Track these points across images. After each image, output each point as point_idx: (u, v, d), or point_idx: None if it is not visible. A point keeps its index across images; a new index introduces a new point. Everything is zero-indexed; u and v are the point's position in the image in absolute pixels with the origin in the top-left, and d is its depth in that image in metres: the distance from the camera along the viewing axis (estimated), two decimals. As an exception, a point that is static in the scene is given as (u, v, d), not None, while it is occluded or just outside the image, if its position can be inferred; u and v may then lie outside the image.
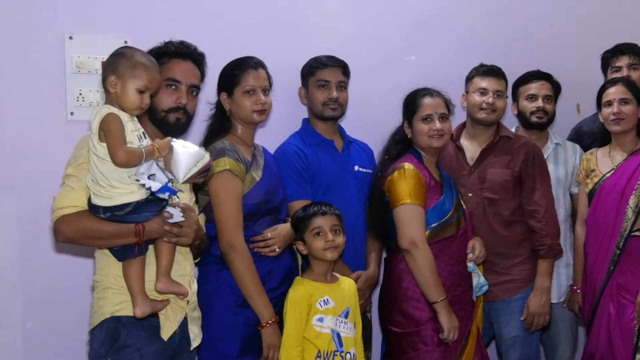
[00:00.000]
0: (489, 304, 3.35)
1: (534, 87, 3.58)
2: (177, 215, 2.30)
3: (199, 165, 2.35)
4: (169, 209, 2.29)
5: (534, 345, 3.43)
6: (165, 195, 2.23)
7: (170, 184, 2.23)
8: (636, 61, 3.75)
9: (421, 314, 3.01)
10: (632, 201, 3.28)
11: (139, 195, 2.22)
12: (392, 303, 3.09)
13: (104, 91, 2.27)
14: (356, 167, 3.28)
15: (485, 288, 3.17)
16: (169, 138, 2.33)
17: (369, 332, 3.27)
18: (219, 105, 2.91)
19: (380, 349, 3.26)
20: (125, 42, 3.07)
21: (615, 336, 3.27)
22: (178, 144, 2.33)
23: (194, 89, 2.53)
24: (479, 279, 3.15)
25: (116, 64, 2.23)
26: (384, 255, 3.28)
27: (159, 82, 2.31)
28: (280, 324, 2.76)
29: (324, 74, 3.19)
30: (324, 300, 2.72)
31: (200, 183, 2.58)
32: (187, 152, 2.32)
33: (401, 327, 3.04)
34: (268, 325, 2.70)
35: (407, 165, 3.05)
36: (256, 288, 2.71)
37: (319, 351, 2.67)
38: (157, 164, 2.23)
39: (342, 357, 2.71)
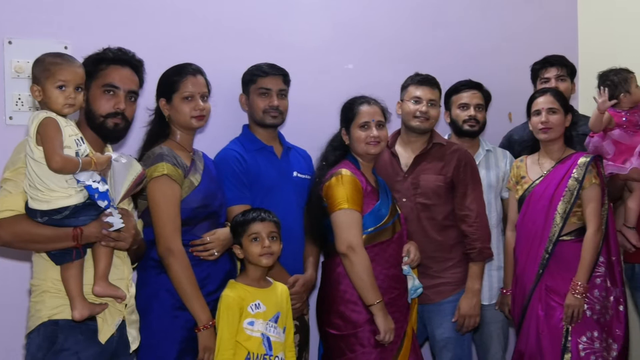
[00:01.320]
0: (423, 306, 3.38)
1: (465, 96, 3.63)
2: (117, 223, 2.31)
3: (131, 176, 2.37)
4: (108, 218, 2.29)
5: (465, 345, 3.47)
6: (104, 204, 2.25)
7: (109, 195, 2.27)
8: (564, 73, 3.82)
9: (358, 316, 3.03)
10: (560, 207, 3.36)
11: (76, 199, 2.23)
12: (329, 306, 3.11)
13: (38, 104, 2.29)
14: (295, 173, 3.29)
15: (420, 291, 3.20)
16: (109, 155, 2.35)
17: (307, 334, 3.30)
18: (158, 111, 2.91)
19: (318, 350, 3.27)
20: (66, 47, 3.06)
21: (544, 337, 3.34)
22: (115, 161, 2.35)
23: (133, 95, 2.54)
24: (413, 282, 3.18)
25: (34, 73, 2.26)
26: (322, 259, 3.29)
27: (77, 75, 2.29)
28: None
29: (265, 82, 3.20)
30: (255, 304, 2.74)
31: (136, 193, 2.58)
32: (123, 168, 2.35)
33: (339, 329, 3.06)
34: (205, 328, 2.71)
35: (345, 171, 3.08)
36: (193, 291, 2.71)
37: (249, 353, 2.68)
38: (98, 175, 2.26)
39: None
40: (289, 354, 2.87)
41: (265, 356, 2.72)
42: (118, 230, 2.32)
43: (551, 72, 3.83)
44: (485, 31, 4.30)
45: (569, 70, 3.85)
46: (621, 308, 3.36)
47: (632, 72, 3.57)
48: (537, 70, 3.89)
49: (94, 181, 2.22)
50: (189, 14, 3.43)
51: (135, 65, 2.59)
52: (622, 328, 3.35)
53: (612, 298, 3.36)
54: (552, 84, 3.78)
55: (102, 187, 2.23)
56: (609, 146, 3.52)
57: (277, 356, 2.75)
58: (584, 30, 4.71)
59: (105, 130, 2.45)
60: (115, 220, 2.30)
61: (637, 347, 3.84)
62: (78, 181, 2.21)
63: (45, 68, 2.23)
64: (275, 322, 2.79)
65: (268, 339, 2.74)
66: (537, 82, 3.88)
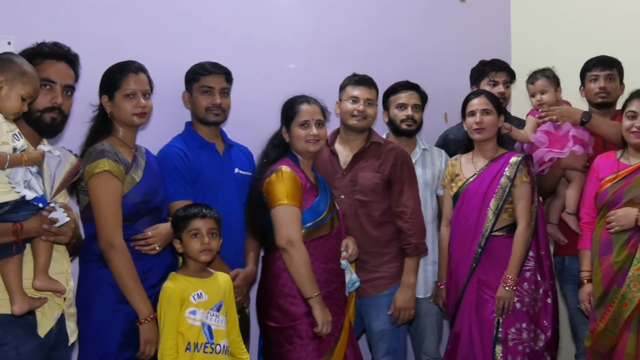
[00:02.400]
0: (360, 299, 3.42)
1: (403, 97, 3.68)
2: (62, 218, 2.33)
3: (65, 169, 2.40)
4: (52, 214, 2.30)
5: (401, 337, 3.54)
6: (39, 205, 2.27)
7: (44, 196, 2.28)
8: (509, 80, 3.94)
9: (297, 309, 3.07)
10: (492, 204, 3.44)
11: (16, 194, 2.22)
12: (269, 299, 3.15)
13: None
14: (236, 170, 3.31)
15: (357, 284, 3.25)
16: (42, 150, 2.35)
17: (247, 327, 3.32)
18: (100, 108, 2.91)
19: (258, 342, 3.31)
20: (9, 43, 3.01)
21: (476, 328, 3.43)
22: (48, 153, 2.37)
23: (69, 89, 2.55)
24: (351, 276, 3.23)
25: (5, 67, 2.26)
26: (262, 253, 3.32)
27: (38, 93, 2.35)
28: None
29: (208, 80, 3.22)
30: (197, 294, 2.75)
31: (74, 182, 2.59)
32: (57, 160, 2.37)
33: (278, 321, 3.10)
34: (146, 321, 2.73)
35: (285, 168, 3.11)
36: (134, 285, 2.73)
37: (189, 343, 2.70)
38: (32, 172, 2.27)
39: (212, 348, 2.75)
40: (236, 338, 2.91)
41: (207, 344, 2.74)
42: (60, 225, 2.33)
43: (501, 77, 3.93)
44: (422, 35, 4.40)
45: (511, 77, 3.98)
46: (549, 300, 3.47)
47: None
48: (487, 72, 3.96)
49: (25, 186, 2.22)
50: (132, 11, 3.40)
51: (70, 59, 2.60)
52: (550, 319, 3.46)
53: (541, 291, 3.46)
54: (501, 88, 3.89)
55: (29, 195, 2.22)
56: (543, 137, 3.64)
57: (218, 344, 2.77)
58: (517, 35, 4.86)
59: (42, 125, 2.46)
60: (60, 216, 2.32)
61: (566, 337, 3.95)
62: (10, 182, 2.21)
63: (23, 74, 2.28)
64: (218, 310, 2.80)
65: (209, 328, 2.76)
66: (483, 82, 3.95)
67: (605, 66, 3.71)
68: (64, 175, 2.40)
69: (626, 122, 3.33)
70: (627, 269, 3.21)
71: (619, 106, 3.67)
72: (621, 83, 3.76)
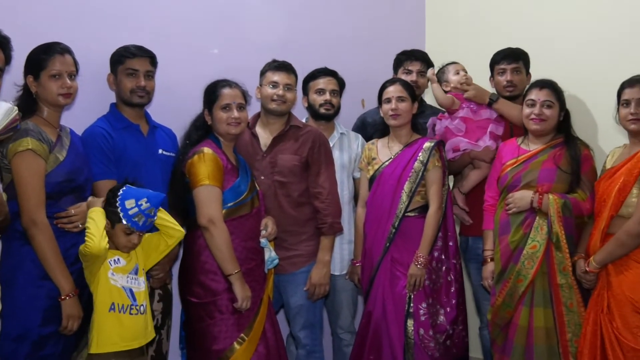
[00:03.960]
0: (278, 276, 3.51)
1: (322, 82, 3.76)
2: None
3: (10, 116, 2.41)
4: None
5: (317, 312, 3.63)
6: None
7: None
8: (424, 69, 4.00)
9: (217, 285, 3.14)
10: (406, 187, 3.56)
11: None
12: (191, 276, 3.20)
13: None
14: (160, 151, 3.33)
15: (276, 262, 3.33)
16: None
17: (170, 302, 3.38)
18: (25, 88, 2.90)
19: (180, 317, 3.36)
20: None
21: (389, 303, 3.54)
22: None
23: None
24: (270, 254, 3.30)
25: None
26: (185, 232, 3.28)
27: None
28: (81, 295, 2.83)
29: (132, 63, 3.22)
30: (114, 260, 2.83)
31: (8, 138, 2.60)
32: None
33: (199, 297, 3.16)
34: (68, 297, 2.77)
35: (207, 150, 3.16)
36: (56, 262, 2.76)
37: (113, 303, 2.78)
38: None
39: (137, 309, 2.83)
40: (164, 218, 2.98)
41: (132, 306, 2.81)
42: None
43: (415, 66, 4.00)
44: (340, 24, 4.47)
45: (428, 66, 4.02)
46: (449, 278, 3.61)
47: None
48: (403, 60, 4.04)
49: None
50: (57, -7, 3.35)
51: (1, 42, 2.60)
52: (450, 296, 3.60)
53: (444, 268, 3.61)
54: (414, 77, 3.97)
55: None
56: (460, 124, 3.76)
57: (142, 304, 2.86)
58: (431, 26, 4.98)
59: None
60: None
61: (470, 311, 4.04)
62: None
63: None
64: (136, 273, 2.88)
65: (131, 291, 2.84)
66: (399, 71, 4.04)
67: (512, 59, 3.83)
68: (6, 122, 2.41)
69: (526, 110, 3.48)
70: (522, 247, 3.37)
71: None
72: (527, 74, 3.89)
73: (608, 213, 3.19)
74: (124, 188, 2.86)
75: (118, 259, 2.84)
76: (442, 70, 3.94)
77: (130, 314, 2.82)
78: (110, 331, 2.78)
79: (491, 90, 3.89)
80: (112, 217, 2.82)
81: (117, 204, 2.82)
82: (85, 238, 2.71)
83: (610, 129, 3.67)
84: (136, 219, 2.82)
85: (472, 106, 3.78)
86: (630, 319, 3.07)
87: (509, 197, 3.47)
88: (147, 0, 3.68)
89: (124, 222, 2.81)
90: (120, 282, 2.82)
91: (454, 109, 3.80)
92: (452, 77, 3.87)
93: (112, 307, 2.78)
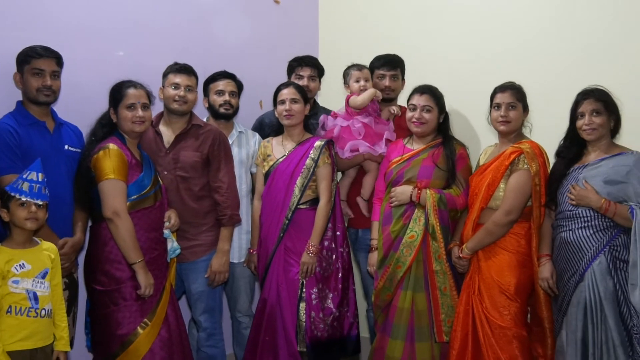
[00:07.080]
0: (180, 264, 3.63)
1: (221, 84, 3.88)
2: None
3: None
4: None
5: (217, 297, 3.76)
6: None
7: None
8: (315, 73, 4.17)
9: (122, 273, 3.22)
10: (299, 181, 3.75)
11: None
12: (96, 265, 3.27)
13: None
14: (66, 147, 3.36)
15: (178, 251, 3.46)
16: None
17: (76, 290, 3.41)
18: None
19: (86, 305, 3.41)
20: None
21: (283, 289, 3.72)
22: None
23: None
24: (172, 244, 3.43)
25: None
26: (90, 224, 3.41)
27: None
28: None
29: (39, 63, 3.23)
30: (19, 265, 2.81)
31: None
32: None
33: (104, 285, 3.23)
34: None
35: (112, 146, 3.24)
36: None
37: (10, 306, 2.77)
38: None
39: (37, 312, 2.82)
40: (58, 306, 2.96)
41: (32, 309, 2.80)
42: None
43: (306, 71, 4.15)
44: (240, 30, 4.59)
45: (319, 71, 4.21)
46: (337, 265, 3.80)
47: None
48: (295, 67, 4.18)
49: None
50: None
51: None
52: (337, 281, 3.79)
53: (334, 257, 3.80)
54: (305, 81, 4.10)
55: None
56: (362, 129, 3.94)
57: (44, 308, 2.85)
58: (324, 34, 5.19)
59: None
60: None
61: (360, 296, 4.28)
62: None
63: None
64: (43, 277, 2.87)
65: (34, 294, 2.83)
66: (292, 76, 4.17)
67: (390, 67, 4.09)
68: None
69: (408, 114, 3.74)
70: (402, 237, 3.63)
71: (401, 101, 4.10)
72: (403, 79, 4.16)
73: (479, 205, 3.48)
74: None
75: (23, 264, 2.83)
76: (346, 72, 4.12)
77: (29, 316, 2.81)
78: (6, 331, 2.77)
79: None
80: (5, 202, 2.83)
81: (6, 190, 2.86)
82: None
83: (484, 129, 3.96)
84: (23, 187, 2.84)
85: (374, 118, 3.99)
86: (497, 299, 3.37)
87: (392, 191, 3.71)
88: (55, 3, 3.66)
89: (12, 194, 2.82)
90: (24, 285, 2.81)
91: (357, 112, 3.98)
92: (353, 84, 4.07)
93: (9, 310, 2.78)
